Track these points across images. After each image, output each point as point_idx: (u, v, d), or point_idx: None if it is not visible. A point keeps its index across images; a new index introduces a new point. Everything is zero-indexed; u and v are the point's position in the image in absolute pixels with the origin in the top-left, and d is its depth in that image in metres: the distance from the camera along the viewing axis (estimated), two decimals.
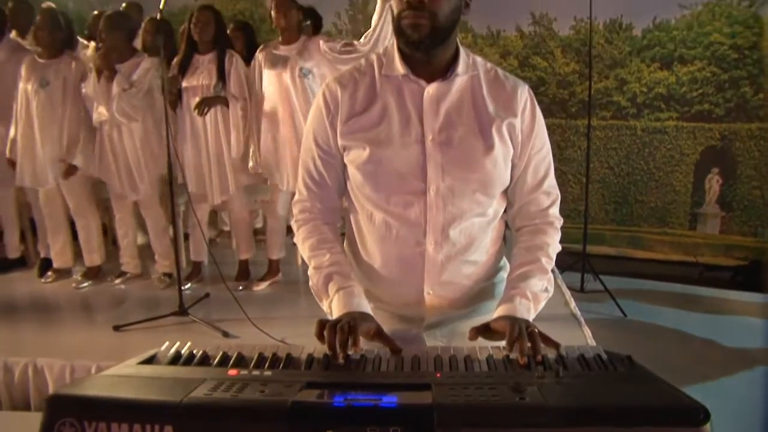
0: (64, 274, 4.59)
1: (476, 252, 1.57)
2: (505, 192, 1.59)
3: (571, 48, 6.39)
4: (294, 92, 4.11)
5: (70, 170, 4.29)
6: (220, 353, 1.31)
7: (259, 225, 5.46)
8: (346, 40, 4.23)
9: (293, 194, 1.71)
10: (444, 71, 1.50)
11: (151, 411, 1.03)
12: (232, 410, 1.01)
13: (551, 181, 1.60)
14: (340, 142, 1.52)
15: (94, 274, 4.55)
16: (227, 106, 4.15)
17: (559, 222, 1.61)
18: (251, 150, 4.31)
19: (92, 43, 4.72)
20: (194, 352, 1.32)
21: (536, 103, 1.56)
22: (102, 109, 4.08)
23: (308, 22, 4.65)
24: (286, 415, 0.98)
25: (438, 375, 1.14)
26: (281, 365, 1.25)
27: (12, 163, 4.38)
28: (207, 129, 4.19)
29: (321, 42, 4.11)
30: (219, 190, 4.26)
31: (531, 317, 1.43)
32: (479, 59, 1.56)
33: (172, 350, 1.34)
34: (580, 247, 4.83)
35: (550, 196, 1.60)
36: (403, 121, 1.48)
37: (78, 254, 4.63)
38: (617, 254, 6.20)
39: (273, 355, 1.28)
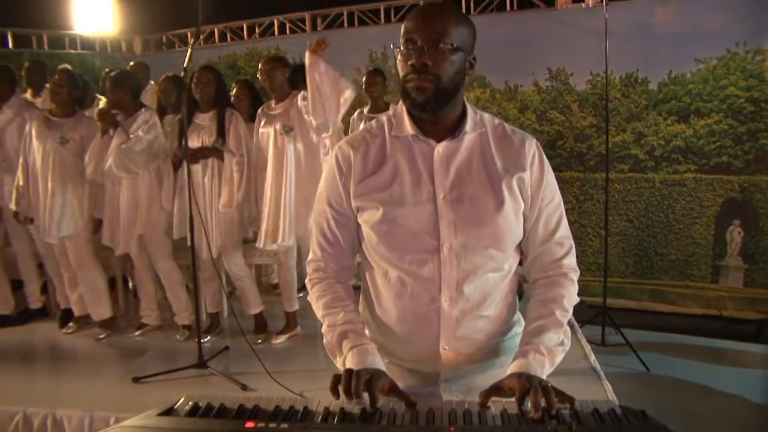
0: (84, 324, 4.63)
1: (490, 307, 1.58)
2: (519, 246, 1.61)
3: (587, 102, 6.45)
4: (274, 148, 4.24)
5: (97, 225, 4.38)
6: (238, 405, 1.33)
7: (275, 281, 5.48)
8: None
9: (301, 246, 1.75)
10: (452, 130, 1.54)
11: None
12: None
13: (564, 231, 1.61)
14: (353, 203, 1.56)
15: (108, 325, 4.59)
16: (222, 160, 4.24)
17: (574, 273, 1.61)
18: (252, 206, 4.39)
19: (103, 100, 4.89)
20: (212, 404, 1.35)
21: (544, 155, 1.59)
22: (92, 165, 4.19)
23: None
24: None
25: (452, 429, 1.16)
26: (297, 418, 1.26)
27: (18, 218, 4.49)
28: (204, 184, 4.27)
29: (299, 97, 4.24)
30: (218, 244, 4.30)
31: (546, 372, 1.43)
32: (486, 116, 1.60)
33: (191, 402, 1.36)
34: (600, 300, 4.79)
35: (563, 246, 1.60)
36: (415, 181, 1.52)
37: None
38: (638, 307, 6.13)
39: (290, 408, 1.30)
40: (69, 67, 4.55)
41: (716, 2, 5.64)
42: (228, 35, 9.34)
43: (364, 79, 5.21)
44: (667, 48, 5.93)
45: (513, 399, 1.32)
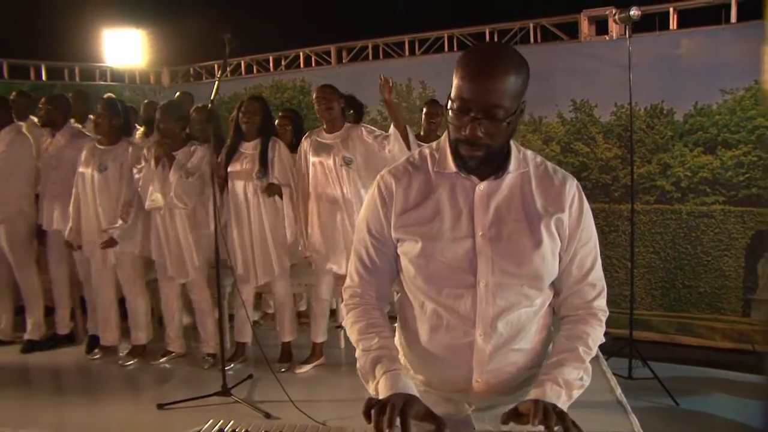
0: (110, 351, 4.67)
1: (523, 340, 1.59)
2: (553, 282, 1.62)
3: (612, 133, 6.44)
4: (337, 179, 4.27)
5: (110, 242, 4.43)
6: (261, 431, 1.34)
7: (303, 308, 5.50)
8: (384, 133, 4.34)
9: (339, 278, 1.76)
10: (495, 169, 1.55)
11: None
12: None
13: (597, 273, 1.62)
14: (393, 234, 1.59)
15: (139, 352, 4.63)
16: (281, 196, 4.29)
17: (603, 314, 1.62)
18: (299, 233, 4.42)
19: (141, 129, 4.98)
20: (236, 430, 1.37)
21: (584, 197, 1.59)
22: (157, 196, 4.24)
23: (351, 111, 4.84)
24: None
25: None
26: None
27: (70, 245, 4.56)
28: (251, 212, 4.32)
29: (363, 131, 4.28)
30: (263, 272, 4.35)
31: (561, 404, 1.43)
32: (530, 153, 1.61)
33: (215, 429, 1.39)
34: (626, 333, 4.73)
35: (595, 288, 1.62)
36: (455, 217, 1.53)
37: (124, 332, 4.71)
38: (666, 340, 6.03)
39: None
40: (113, 95, 4.64)
41: (741, 33, 5.63)
42: (254, 67, 9.50)
43: (425, 109, 5.18)
44: (692, 79, 5.91)
45: (536, 429, 1.33)
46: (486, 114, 1.41)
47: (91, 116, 4.72)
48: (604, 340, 1.61)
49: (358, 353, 1.59)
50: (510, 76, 1.41)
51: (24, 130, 4.95)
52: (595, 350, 1.58)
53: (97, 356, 4.67)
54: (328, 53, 9.01)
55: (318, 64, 9.08)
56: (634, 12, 4.73)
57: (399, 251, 1.60)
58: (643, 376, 4.59)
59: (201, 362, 4.53)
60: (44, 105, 4.81)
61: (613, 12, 5.93)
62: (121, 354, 4.68)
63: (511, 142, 1.56)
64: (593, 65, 6.35)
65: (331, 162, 4.28)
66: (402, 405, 1.35)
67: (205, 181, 4.31)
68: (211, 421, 1.41)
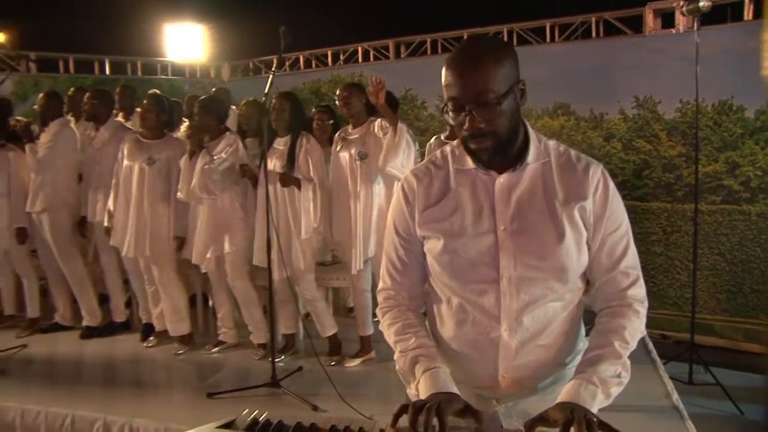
0: (164, 339, 4.75)
1: (549, 336, 1.56)
2: (584, 275, 1.58)
3: (676, 131, 6.21)
4: (351, 173, 4.30)
5: (181, 243, 4.51)
6: (296, 423, 1.34)
7: (351, 304, 5.48)
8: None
9: (374, 270, 1.75)
10: (515, 160, 1.53)
11: None
12: None
13: (630, 261, 1.56)
14: (418, 232, 1.60)
15: (186, 341, 4.68)
16: (299, 188, 4.30)
17: (640, 305, 1.55)
18: (324, 228, 4.42)
19: (186, 123, 5.07)
20: (271, 420, 1.36)
21: (610, 182, 1.55)
22: (185, 187, 4.33)
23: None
24: None
25: None
26: None
27: (109, 232, 4.67)
28: (279, 208, 4.33)
29: (375, 125, 4.28)
30: (288, 266, 4.34)
31: (598, 404, 1.39)
32: (552, 143, 1.58)
33: (251, 417, 1.38)
34: (687, 337, 4.55)
35: (628, 276, 1.56)
36: (476, 212, 1.53)
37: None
38: (730, 346, 5.78)
39: (345, 428, 1.30)
40: (158, 91, 4.75)
41: None
42: (313, 62, 9.56)
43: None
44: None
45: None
46: (476, 103, 1.42)
47: (138, 109, 4.80)
48: (644, 333, 1.55)
49: (396, 356, 1.59)
50: (488, 61, 1.43)
51: (71, 124, 5.09)
52: (633, 344, 1.51)
53: (152, 344, 4.75)
54: (387, 48, 8.99)
55: (376, 58, 9.07)
56: (704, 3, 4.55)
57: (425, 249, 1.60)
58: (704, 381, 4.42)
59: (251, 353, 4.55)
60: (89, 99, 4.92)
61: (681, 4, 5.71)
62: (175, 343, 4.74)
63: (531, 133, 1.55)
64: (658, 60, 6.15)
65: (347, 156, 4.33)
66: (438, 405, 1.33)
67: (235, 171, 4.35)
68: (246, 410, 1.41)
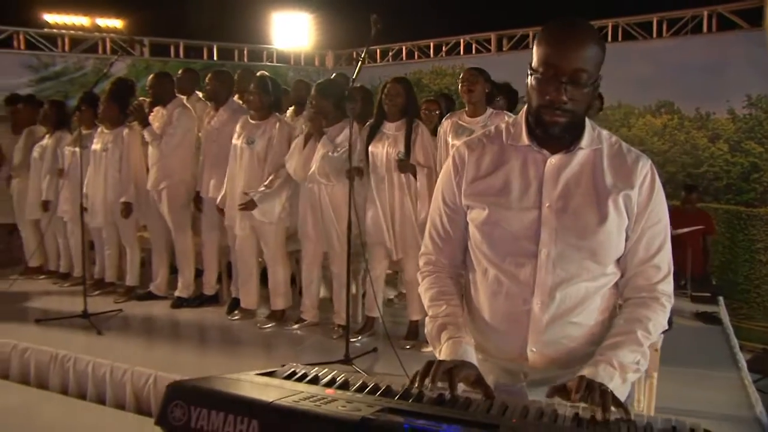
0: (249, 314, 4.96)
1: (581, 315, 1.58)
2: (619, 262, 1.61)
3: None
4: None
5: (249, 205, 4.61)
6: (329, 376, 1.40)
7: None
8: None
9: None
10: (568, 143, 1.56)
11: (244, 406, 1.17)
12: (309, 416, 1.10)
13: (664, 256, 1.59)
14: (463, 201, 1.64)
15: (277, 317, 4.86)
16: (415, 176, 4.34)
17: (667, 300, 1.59)
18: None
19: (291, 108, 5.21)
20: (308, 372, 1.43)
21: (657, 178, 1.58)
22: (295, 167, 4.44)
23: (499, 98, 4.78)
24: (354, 427, 1.05)
25: (514, 421, 1.17)
26: (377, 393, 1.30)
27: (221, 212, 4.90)
28: (394, 192, 4.39)
29: (492, 116, 4.22)
30: (399, 249, 4.41)
31: (614, 386, 1.40)
32: (605, 133, 1.62)
33: (291, 369, 1.46)
34: None
35: (660, 270, 1.59)
36: (523, 188, 1.57)
37: (264, 298, 4.99)
38: None
39: (374, 384, 1.35)
40: (265, 73, 4.90)
41: None
42: (415, 53, 9.63)
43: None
44: None
45: (582, 404, 1.32)
46: (571, 78, 1.45)
47: None
48: (667, 327, 1.59)
49: (426, 319, 1.67)
50: (593, 43, 1.47)
51: (186, 102, 5.34)
52: (655, 336, 1.55)
53: (237, 317, 4.97)
54: (489, 41, 8.96)
55: (478, 51, 9.06)
56: None
57: (468, 218, 1.64)
58: None
59: (331, 332, 4.68)
60: (210, 80, 5.13)
61: None
62: (259, 317, 4.94)
63: (588, 120, 1.58)
64: None
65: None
66: (451, 366, 1.40)
67: (351, 158, 4.44)
68: (289, 363, 1.51)
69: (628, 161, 1.57)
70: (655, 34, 7.19)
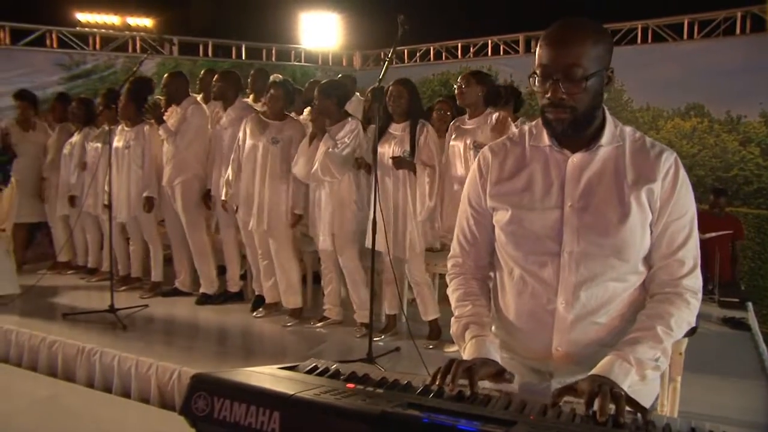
0: (273, 310, 4.99)
1: (607, 315, 1.57)
2: (647, 259, 1.59)
3: None
4: (461, 162, 4.30)
5: (296, 220, 4.73)
6: (350, 371, 1.42)
7: None
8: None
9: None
10: (589, 141, 1.57)
11: (266, 398, 1.19)
12: (329, 409, 1.12)
13: (689, 251, 1.56)
14: (488, 203, 1.66)
15: (296, 315, 4.89)
16: (415, 172, 4.36)
17: (692, 295, 1.55)
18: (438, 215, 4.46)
19: (307, 109, 5.26)
20: (329, 367, 1.45)
21: (682, 171, 1.56)
22: (300, 167, 4.48)
23: (504, 99, 4.83)
24: (373, 420, 1.06)
25: (532, 417, 1.17)
26: (397, 388, 1.32)
27: (225, 207, 4.96)
28: (398, 192, 4.41)
29: (493, 116, 4.24)
30: (401, 250, 4.41)
31: (628, 382, 1.38)
32: (628, 129, 1.61)
33: (313, 364, 1.47)
34: None
35: (684, 265, 1.56)
36: (546, 188, 1.58)
37: None
38: None
39: (394, 380, 1.37)
40: (279, 76, 4.96)
41: None
42: (443, 54, 9.62)
43: None
44: None
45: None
46: (564, 74, 1.46)
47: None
48: (693, 324, 1.54)
49: (452, 319, 1.68)
50: (587, 38, 1.48)
51: (200, 100, 5.42)
52: (678, 333, 1.50)
53: (261, 315, 5.01)
54: (517, 42, 8.92)
55: (506, 53, 9.03)
56: None
57: (493, 220, 1.67)
58: None
59: (354, 331, 4.69)
60: (217, 81, 5.19)
61: None
62: (284, 315, 4.96)
63: (609, 117, 1.58)
64: None
65: (462, 145, 4.32)
66: (471, 365, 1.41)
67: (354, 156, 4.47)
68: (312, 359, 1.52)
69: (651, 155, 1.55)
70: (685, 36, 7.11)
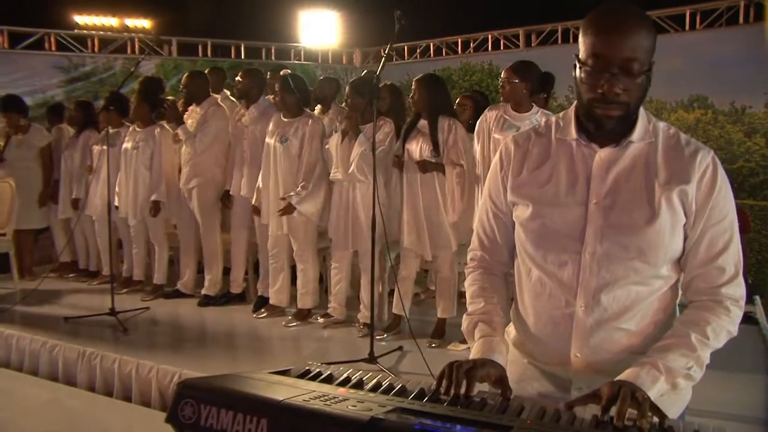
0: (277, 312, 4.96)
1: (631, 321, 1.48)
2: (678, 262, 1.50)
3: None
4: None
5: (287, 209, 4.63)
6: (343, 376, 1.40)
7: (463, 289, 5.45)
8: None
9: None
10: (619, 136, 1.48)
11: (253, 404, 1.15)
12: (317, 415, 1.08)
13: (730, 257, 1.47)
14: (508, 197, 1.58)
15: (304, 316, 4.85)
16: (444, 173, 4.30)
17: (733, 303, 1.46)
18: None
19: (318, 106, 5.22)
20: (322, 371, 1.43)
21: (720, 171, 1.47)
22: (338, 169, 4.44)
23: (544, 95, 4.80)
24: (362, 428, 1.03)
25: (528, 422, 1.13)
26: (391, 393, 1.29)
27: (257, 211, 4.90)
28: (426, 190, 4.36)
29: (542, 120, 4.16)
30: (432, 247, 4.37)
31: (657, 389, 1.31)
32: (662, 125, 1.52)
33: (305, 368, 1.45)
34: None
35: (724, 273, 1.46)
36: (570, 183, 1.50)
37: (292, 297, 4.97)
38: None
39: (388, 384, 1.34)
40: (287, 71, 4.91)
41: None
42: (443, 50, 9.58)
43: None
44: None
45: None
46: (622, 68, 1.37)
47: None
48: (733, 333, 1.44)
49: (464, 316, 1.62)
50: (642, 29, 1.38)
51: (219, 101, 5.37)
52: (714, 341, 1.42)
53: (263, 315, 4.97)
54: (517, 36, 8.88)
55: (506, 47, 8.98)
56: None
57: (513, 216, 1.59)
58: None
59: (357, 330, 4.65)
60: (242, 78, 5.13)
61: None
62: (287, 316, 4.93)
63: (643, 111, 1.49)
64: None
65: (502, 139, 4.21)
66: (471, 366, 1.36)
67: (388, 156, 4.43)
68: (304, 363, 1.50)
69: (686, 154, 1.46)
70: (687, 27, 7.05)
